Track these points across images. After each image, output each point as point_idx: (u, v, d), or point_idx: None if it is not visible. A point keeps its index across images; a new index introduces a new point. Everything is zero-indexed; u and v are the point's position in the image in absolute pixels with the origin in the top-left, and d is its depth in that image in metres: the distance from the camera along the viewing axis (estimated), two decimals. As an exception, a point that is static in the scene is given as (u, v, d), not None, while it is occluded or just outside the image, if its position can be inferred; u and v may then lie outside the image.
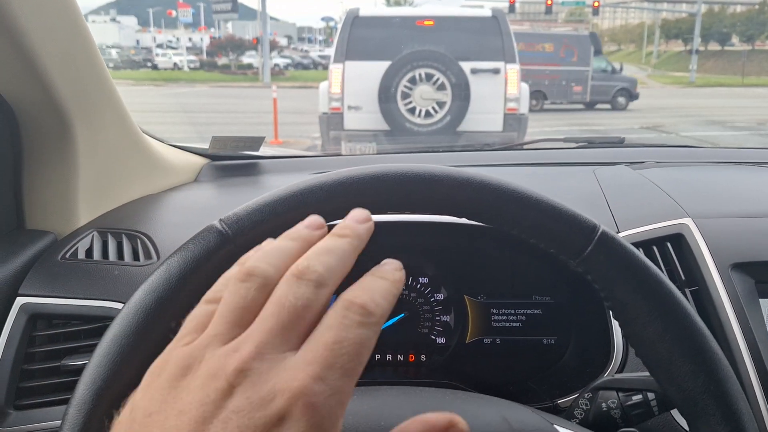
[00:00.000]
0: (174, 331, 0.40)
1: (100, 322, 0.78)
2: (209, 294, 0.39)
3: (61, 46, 0.79)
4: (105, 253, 0.87)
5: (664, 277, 0.48)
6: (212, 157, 1.34)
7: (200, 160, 1.32)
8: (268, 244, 0.40)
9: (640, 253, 0.49)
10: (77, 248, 0.87)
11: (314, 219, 0.41)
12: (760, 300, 0.76)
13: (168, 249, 0.87)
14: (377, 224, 0.41)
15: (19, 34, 0.71)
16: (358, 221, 0.40)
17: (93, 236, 0.89)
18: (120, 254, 0.87)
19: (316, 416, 0.30)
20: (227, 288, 0.37)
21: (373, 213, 0.43)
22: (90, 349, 0.77)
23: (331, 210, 0.53)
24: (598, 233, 0.48)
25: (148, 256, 0.86)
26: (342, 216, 0.44)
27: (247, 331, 0.34)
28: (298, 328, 0.34)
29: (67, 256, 0.85)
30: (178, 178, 1.22)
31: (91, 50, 0.86)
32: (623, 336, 0.51)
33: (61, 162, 0.89)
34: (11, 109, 0.85)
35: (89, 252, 0.87)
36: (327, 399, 0.31)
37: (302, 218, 0.43)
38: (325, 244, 0.38)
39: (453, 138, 6.23)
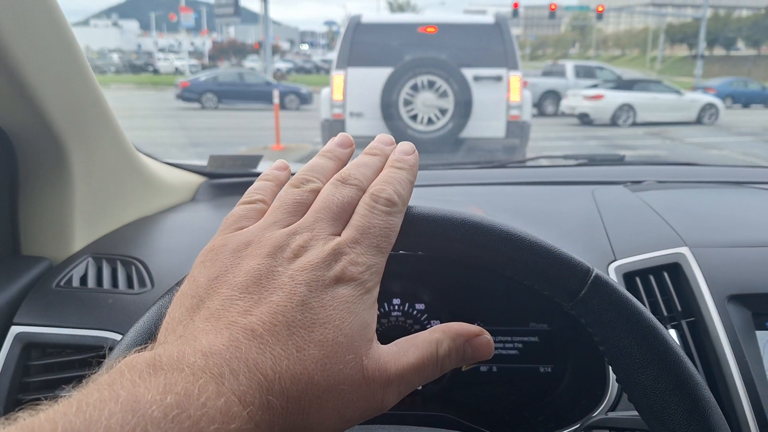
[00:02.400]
0: None
1: (94, 351, 0.78)
2: (246, 197, 0.48)
3: (56, 73, 0.79)
4: (100, 279, 0.87)
5: (658, 323, 0.48)
6: (210, 175, 1.34)
7: (197, 179, 1.32)
8: (314, 160, 0.50)
9: (633, 298, 0.48)
10: (72, 275, 0.86)
11: (343, 137, 0.53)
12: (757, 332, 0.76)
13: (163, 276, 0.87)
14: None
15: (13, 62, 0.71)
16: (384, 143, 0.52)
17: (88, 263, 0.89)
18: (115, 281, 0.87)
19: (360, 280, 0.41)
20: (283, 190, 0.47)
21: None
22: (84, 380, 0.76)
23: None
24: (592, 277, 0.48)
25: (142, 283, 0.86)
26: None
27: (302, 220, 0.44)
28: (342, 218, 0.44)
29: (62, 283, 0.85)
30: (176, 197, 1.22)
31: (86, 74, 0.86)
32: (616, 381, 0.51)
33: (57, 187, 0.89)
34: (7, 136, 0.85)
35: (84, 279, 0.87)
36: (366, 269, 0.42)
37: None
38: (360, 160, 0.50)
39: (455, 145, 6.24)
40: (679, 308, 0.79)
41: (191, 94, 17.99)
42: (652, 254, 0.85)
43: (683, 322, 0.78)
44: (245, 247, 0.43)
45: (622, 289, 0.48)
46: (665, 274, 0.83)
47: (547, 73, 19.53)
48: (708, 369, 0.74)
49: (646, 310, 0.48)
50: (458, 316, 0.89)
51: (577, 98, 15.04)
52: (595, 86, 15.73)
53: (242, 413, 0.34)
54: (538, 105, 16.99)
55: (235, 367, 0.35)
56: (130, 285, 0.86)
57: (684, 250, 0.84)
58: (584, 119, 14.73)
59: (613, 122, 14.44)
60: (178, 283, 0.50)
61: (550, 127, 13.95)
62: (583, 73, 18.73)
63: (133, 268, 0.89)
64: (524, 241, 0.49)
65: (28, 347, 0.79)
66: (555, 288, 0.49)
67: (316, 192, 0.47)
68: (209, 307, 0.40)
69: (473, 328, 0.46)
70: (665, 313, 0.79)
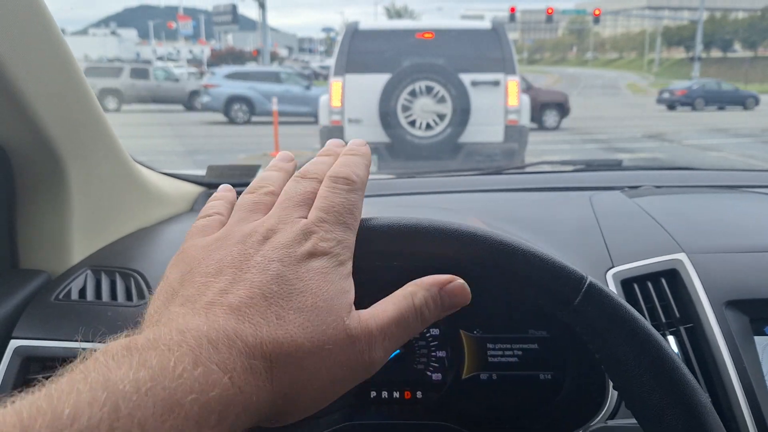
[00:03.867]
0: None
1: None
2: (202, 212, 0.51)
3: (53, 87, 0.79)
4: (99, 292, 0.87)
5: (653, 329, 0.48)
6: (208, 185, 1.34)
7: (196, 189, 1.32)
8: (261, 174, 0.53)
9: (628, 305, 0.49)
10: (70, 288, 0.86)
11: (284, 154, 0.56)
12: (755, 338, 0.76)
13: None
14: (374, 255, 0.50)
15: (8, 79, 0.71)
16: (336, 145, 0.55)
17: (86, 275, 0.89)
18: (113, 294, 0.87)
19: (332, 254, 0.43)
20: (240, 197, 0.50)
21: (362, 257, 0.48)
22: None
23: None
24: (586, 285, 0.48)
25: (141, 295, 0.86)
26: None
27: (267, 214, 0.46)
28: (306, 205, 0.46)
29: (61, 296, 0.85)
30: (174, 208, 1.22)
31: (82, 87, 0.86)
32: (613, 388, 0.51)
33: (55, 200, 0.89)
34: (3, 151, 0.85)
35: (83, 292, 0.87)
36: (337, 243, 0.43)
37: None
38: (315, 159, 0.53)
39: (454, 150, 6.24)
40: (677, 314, 0.79)
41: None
42: (649, 261, 0.85)
43: (681, 329, 0.78)
44: (214, 242, 0.44)
45: (616, 296, 0.49)
46: (663, 281, 0.83)
47: None
48: (707, 375, 0.74)
49: (641, 317, 0.48)
50: (456, 323, 0.89)
51: None
52: None
53: (223, 379, 0.34)
54: None
55: (213, 338, 0.35)
56: (129, 297, 0.86)
57: (681, 256, 0.84)
58: None
59: None
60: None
61: (549, 132, 13.98)
62: None
63: (132, 280, 0.89)
64: (518, 251, 0.49)
65: (28, 361, 0.78)
66: (549, 297, 0.49)
67: (273, 194, 0.49)
68: (184, 295, 0.40)
69: (444, 276, 0.47)
70: (663, 320, 0.79)
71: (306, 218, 0.44)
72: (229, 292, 0.39)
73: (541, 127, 14.32)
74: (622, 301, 0.49)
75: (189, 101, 17.58)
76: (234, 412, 0.34)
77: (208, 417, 0.32)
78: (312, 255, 0.42)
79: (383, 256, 0.53)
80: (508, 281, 0.50)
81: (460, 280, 0.47)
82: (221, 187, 0.56)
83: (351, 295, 0.42)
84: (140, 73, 17.86)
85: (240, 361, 0.35)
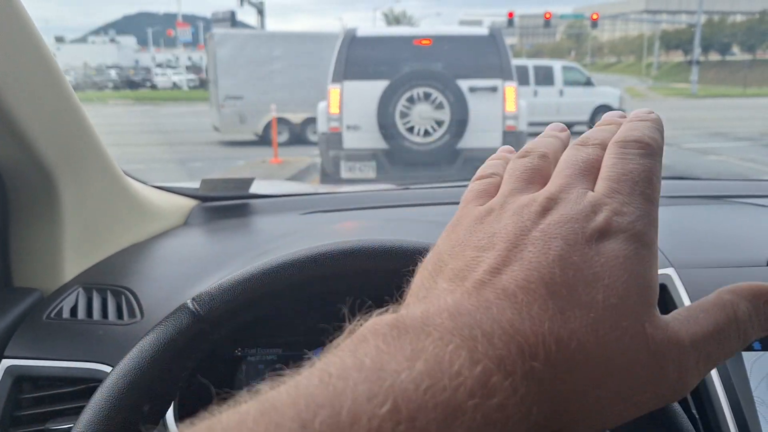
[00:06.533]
0: (144, 415, 0.46)
1: (85, 384, 0.78)
2: (479, 173, 0.44)
3: (45, 107, 0.80)
4: (90, 310, 0.88)
5: None
6: (202, 198, 1.34)
7: (189, 202, 1.32)
8: (534, 140, 0.44)
9: None
10: (62, 307, 0.87)
11: (558, 125, 0.47)
12: (743, 353, 0.76)
13: (152, 305, 0.87)
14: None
15: (1, 99, 0.72)
16: (617, 115, 0.44)
17: (78, 293, 0.90)
18: (105, 311, 0.87)
19: (632, 231, 0.34)
20: (511, 162, 0.42)
21: (339, 285, 0.49)
22: (75, 412, 0.77)
23: (301, 282, 0.58)
24: None
25: (132, 314, 0.86)
26: (313, 286, 0.59)
27: (547, 185, 0.38)
28: (592, 174, 0.37)
29: (52, 315, 0.85)
30: (167, 222, 1.22)
31: (72, 105, 0.87)
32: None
33: (47, 218, 0.90)
34: (-4, 170, 0.85)
35: (74, 310, 0.87)
36: (637, 219, 0.34)
37: (274, 295, 0.50)
38: (597, 127, 0.43)
39: (452, 156, 6.26)
40: None
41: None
42: None
43: None
44: (487, 215, 0.38)
45: None
46: None
47: None
48: (694, 391, 0.74)
49: None
50: None
51: None
52: None
53: (503, 383, 0.28)
54: None
55: (487, 329, 0.29)
56: (120, 316, 0.87)
57: (670, 271, 0.84)
58: None
59: None
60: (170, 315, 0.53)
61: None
62: None
63: (123, 297, 0.89)
64: None
65: (20, 380, 0.79)
66: None
67: (547, 158, 0.41)
68: (453, 268, 0.35)
69: (760, 284, 0.37)
70: None
71: (593, 190, 0.36)
72: (502, 272, 0.33)
73: None
74: None
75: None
76: (510, 430, 0.28)
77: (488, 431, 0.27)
78: (604, 234, 0.33)
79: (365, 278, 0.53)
80: None
81: None
82: (504, 147, 0.48)
83: (655, 291, 0.34)
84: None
85: (520, 362, 0.29)
